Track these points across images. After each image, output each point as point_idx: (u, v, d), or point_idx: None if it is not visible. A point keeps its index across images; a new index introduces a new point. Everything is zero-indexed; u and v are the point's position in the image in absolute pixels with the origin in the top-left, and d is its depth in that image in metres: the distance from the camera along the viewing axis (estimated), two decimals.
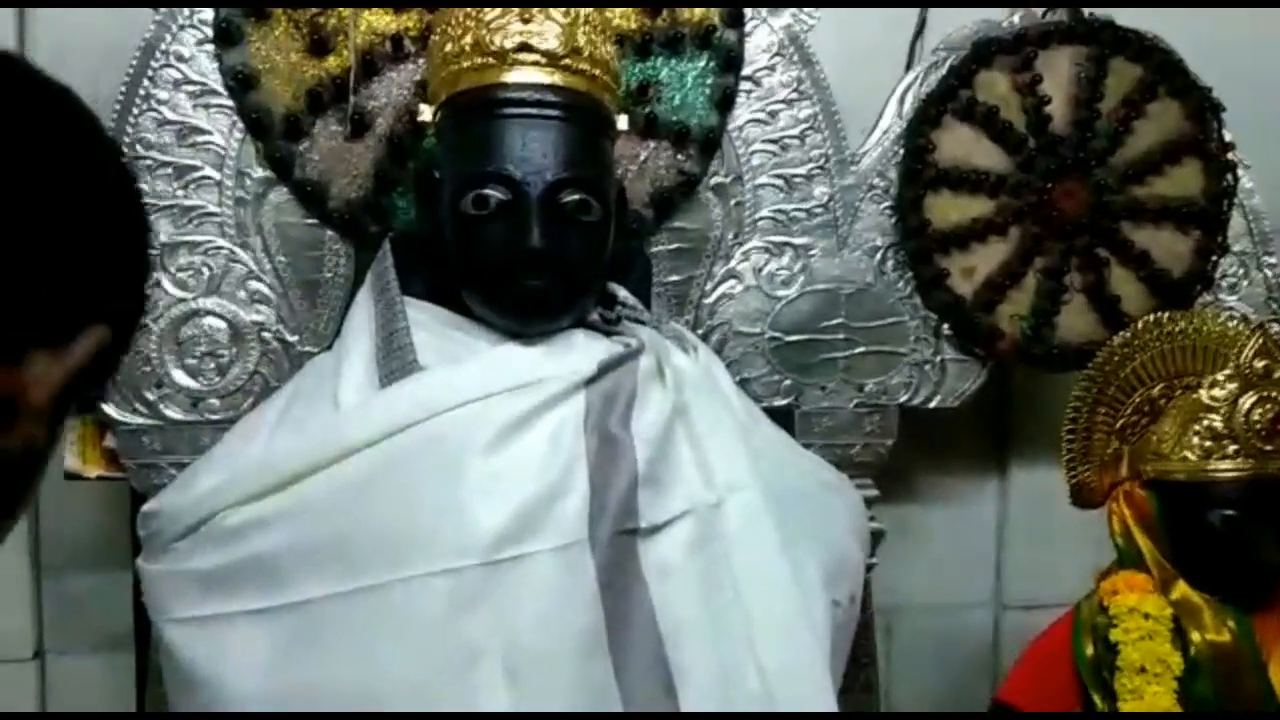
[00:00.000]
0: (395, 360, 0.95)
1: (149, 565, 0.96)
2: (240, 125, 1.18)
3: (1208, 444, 1.05)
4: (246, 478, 0.92)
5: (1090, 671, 1.05)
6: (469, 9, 0.97)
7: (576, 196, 0.95)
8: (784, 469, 1.02)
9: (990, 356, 1.37)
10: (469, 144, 0.97)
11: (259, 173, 1.19)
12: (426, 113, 1.03)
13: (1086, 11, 1.35)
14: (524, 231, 0.93)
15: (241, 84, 1.17)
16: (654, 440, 0.91)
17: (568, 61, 0.95)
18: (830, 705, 0.88)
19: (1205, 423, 1.05)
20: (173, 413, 1.19)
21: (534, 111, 0.95)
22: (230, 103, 1.18)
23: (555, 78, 0.95)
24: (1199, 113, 1.37)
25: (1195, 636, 1.03)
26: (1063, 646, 1.09)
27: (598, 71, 0.98)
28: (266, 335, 1.21)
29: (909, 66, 1.49)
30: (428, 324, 0.99)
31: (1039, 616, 1.65)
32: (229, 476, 0.93)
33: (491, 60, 0.95)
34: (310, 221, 1.21)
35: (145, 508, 0.99)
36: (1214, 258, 1.39)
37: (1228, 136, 1.38)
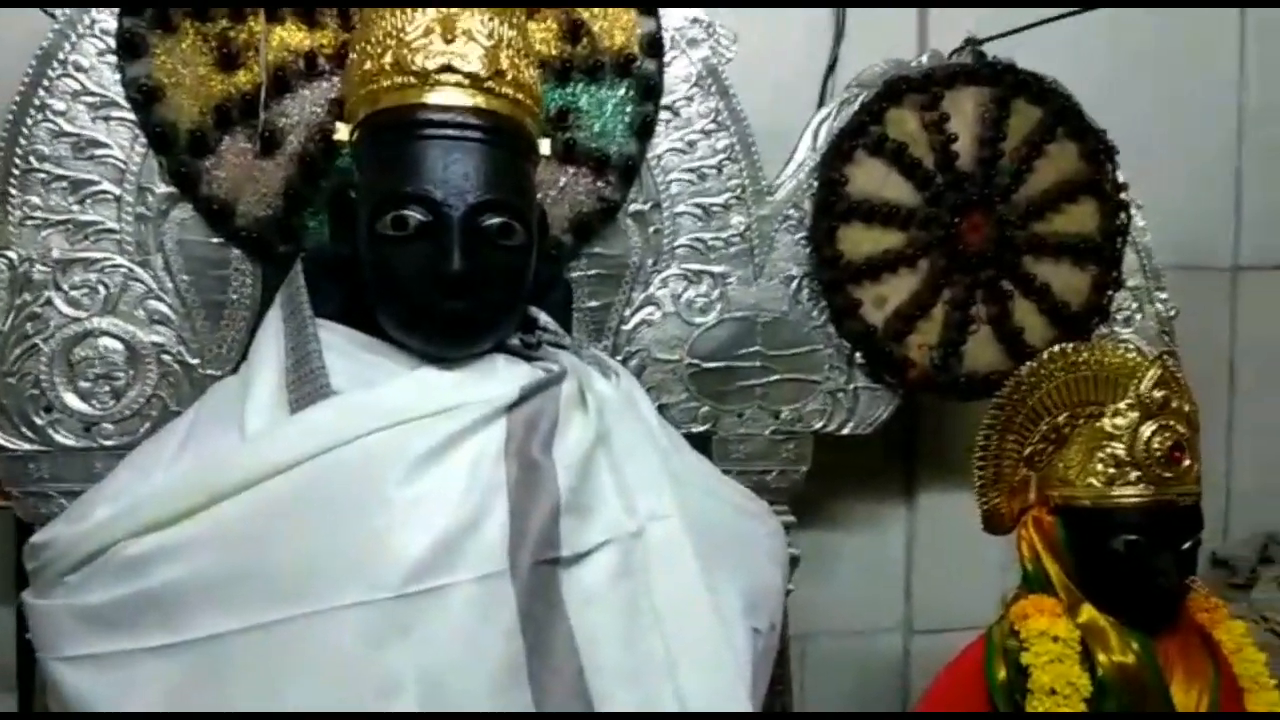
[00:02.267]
0: (306, 384, 0.92)
1: (37, 600, 0.90)
2: (142, 139, 1.14)
3: (1111, 471, 1.09)
4: (147, 506, 0.87)
5: (1003, 694, 1.07)
6: (389, 27, 0.94)
7: (499, 220, 0.94)
8: (705, 496, 1.01)
9: (901, 385, 1.40)
10: (388, 164, 0.94)
11: (161, 189, 1.15)
12: (343, 131, 1.00)
13: (990, 54, 1.41)
14: (445, 254, 0.91)
15: (145, 96, 1.13)
16: (575, 467, 0.90)
17: (491, 84, 0.94)
18: None
19: (1108, 450, 1.09)
20: (63, 438, 1.13)
21: (456, 133, 0.93)
22: (133, 116, 1.13)
23: (478, 100, 0.94)
24: (1095, 154, 1.43)
25: (1102, 658, 1.06)
26: (975, 670, 1.11)
27: (521, 95, 0.97)
28: (166, 357, 1.16)
29: (821, 102, 1.54)
30: (341, 346, 0.96)
31: (948, 640, 1.69)
32: (128, 505, 0.88)
33: (413, 80, 0.93)
34: (215, 240, 1.17)
35: (34, 539, 0.93)
36: (1110, 292, 1.45)
37: (1121, 177, 1.44)
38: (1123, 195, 1.44)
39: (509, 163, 0.96)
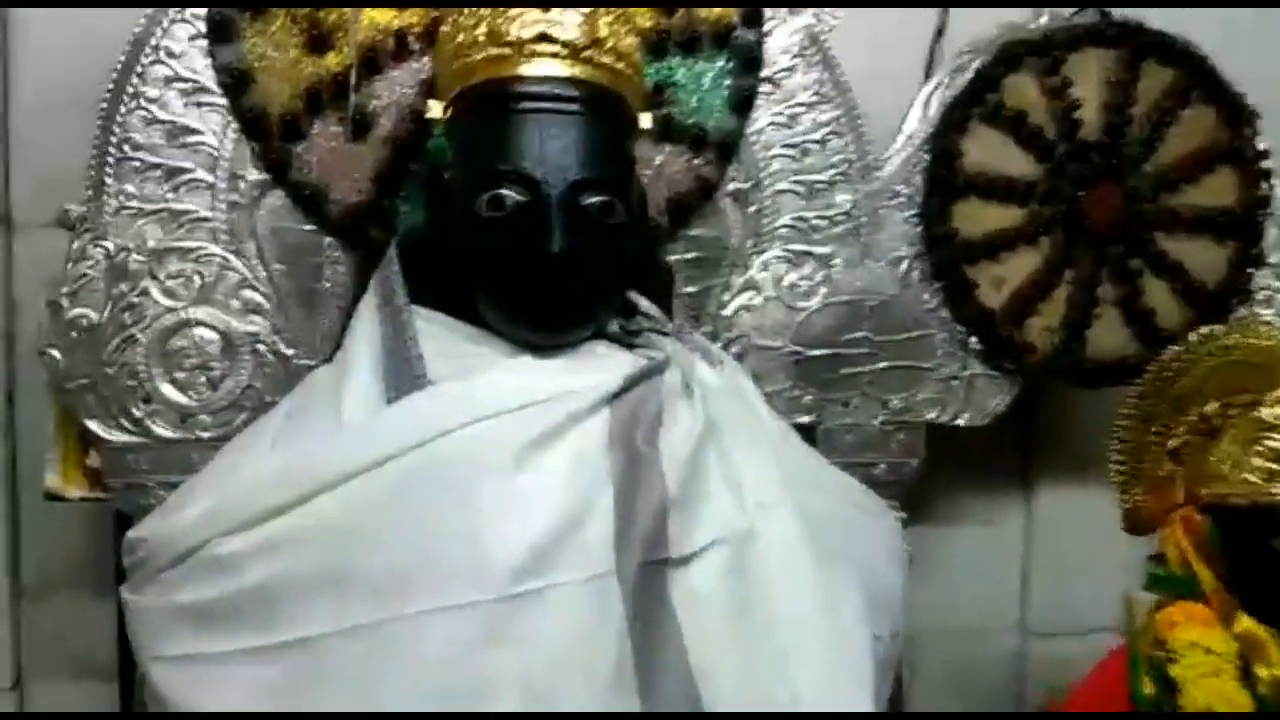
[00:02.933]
0: (402, 374, 0.88)
1: (134, 597, 0.88)
2: (234, 125, 1.12)
3: (1272, 466, 0.99)
4: (239, 502, 0.84)
5: (1152, 711, 0.99)
6: None
7: (600, 198, 0.89)
8: (819, 492, 0.95)
9: (1021, 372, 1.31)
10: (483, 141, 0.90)
11: (254, 175, 1.13)
12: (435, 108, 0.96)
13: (1116, 13, 1.30)
14: (543, 235, 0.86)
15: (236, 82, 1.11)
16: (684, 460, 0.84)
17: (589, 53, 0.89)
18: None
19: (1268, 443, 0.99)
20: (161, 430, 1.12)
21: (553, 106, 0.88)
22: (224, 101, 1.11)
23: (576, 70, 0.89)
24: (1234, 119, 1.32)
25: (1262, 673, 0.97)
26: (1116, 686, 1.02)
27: (621, 65, 0.92)
28: (261, 347, 1.14)
29: (928, 71, 1.45)
30: (437, 335, 0.92)
31: (1066, 644, 1.61)
32: (220, 501, 0.86)
33: (507, 51, 0.88)
34: (308, 227, 1.15)
35: (130, 534, 0.92)
36: (1250, 270, 1.34)
37: (1262, 144, 1.33)
38: (1264, 164, 1.33)
39: (610, 137, 0.91)
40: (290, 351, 1.15)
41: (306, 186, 1.13)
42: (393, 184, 1.14)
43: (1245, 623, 0.99)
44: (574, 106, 0.89)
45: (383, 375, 0.89)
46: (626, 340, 0.96)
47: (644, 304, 1.00)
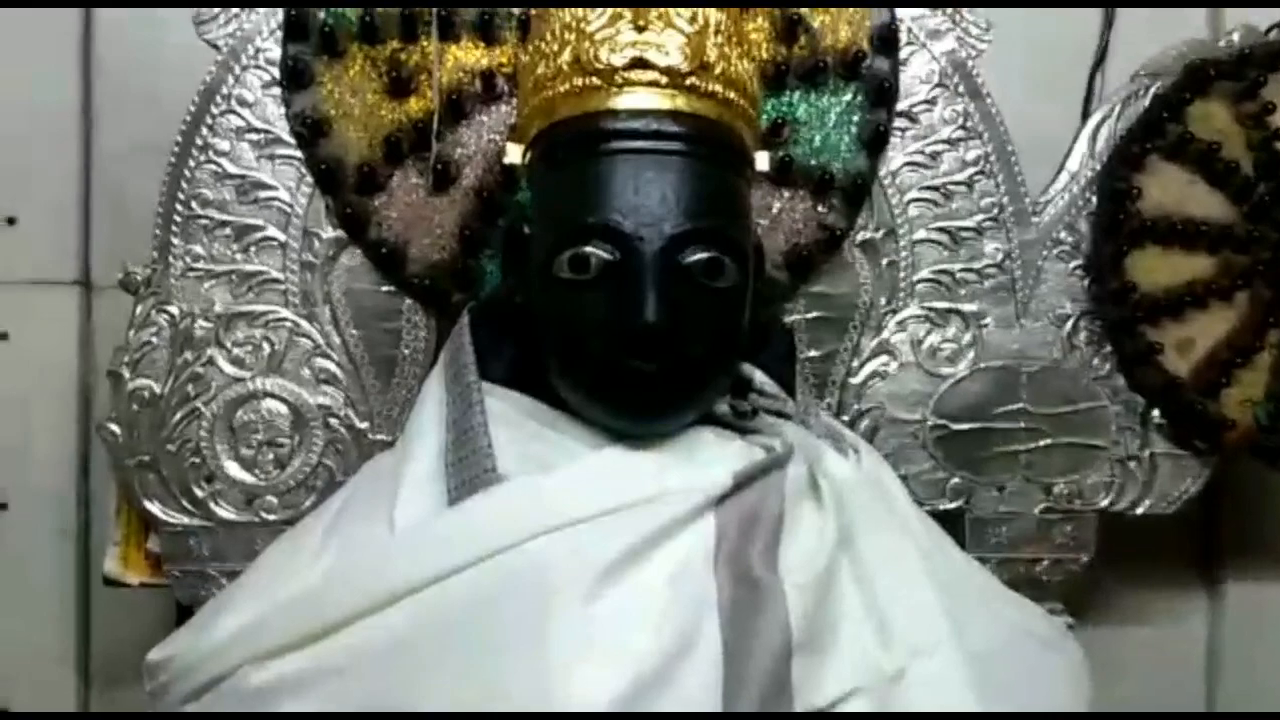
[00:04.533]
0: (468, 466, 0.74)
1: None
2: (309, 179, 1.02)
3: None
4: (277, 622, 0.71)
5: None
6: (568, 18, 0.76)
7: (705, 255, 0.73)
8: (987, 620, 0.75)
9: (1215, 451, 1.09)
10: (567, 189, 0.76)
11: (329, 233, 1.03)
12: (514, 153, 0.83)
13: None
14: (636, 301, 0.71)
15: (311, 130, 1.01)
16: (811, 585, 0.67)
17: (694, 81, 0.74)
18: None
19: None
20: (224, 511, 1.02)
21: (650, 145, 0.73)
22: (298, 153, 1.02)
23: (678, 101, 0.74)
24: None
25: None
26: None
27: (733, 94, 0.76)
28: (333, 421, 1.03)
29: (1088, 100, 1.26)
30: (511, 418, 0.78)
31: None
32: (257, 618, 0.73)
33: (597, 81, 0.74)
34: (386, 288, 1.04)
35: (151, 656, 0.79)
36: None
37: None
38: None
39: (718, 180, 0.76)
40: (365, 425, 1.04)
41: (384, 244, 1.02)
42: (478, 241, 1.02)
43: None
44: (676, 145, 0.74)
45: (447, 466, 0.75)
46: (738, 425, 0.80)
47: (759, 378, 0.84)
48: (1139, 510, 1.11)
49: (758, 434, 0.79)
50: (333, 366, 1.04)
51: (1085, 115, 1.20)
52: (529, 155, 0.82)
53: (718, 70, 0.75)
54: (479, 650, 0.65)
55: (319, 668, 0.68)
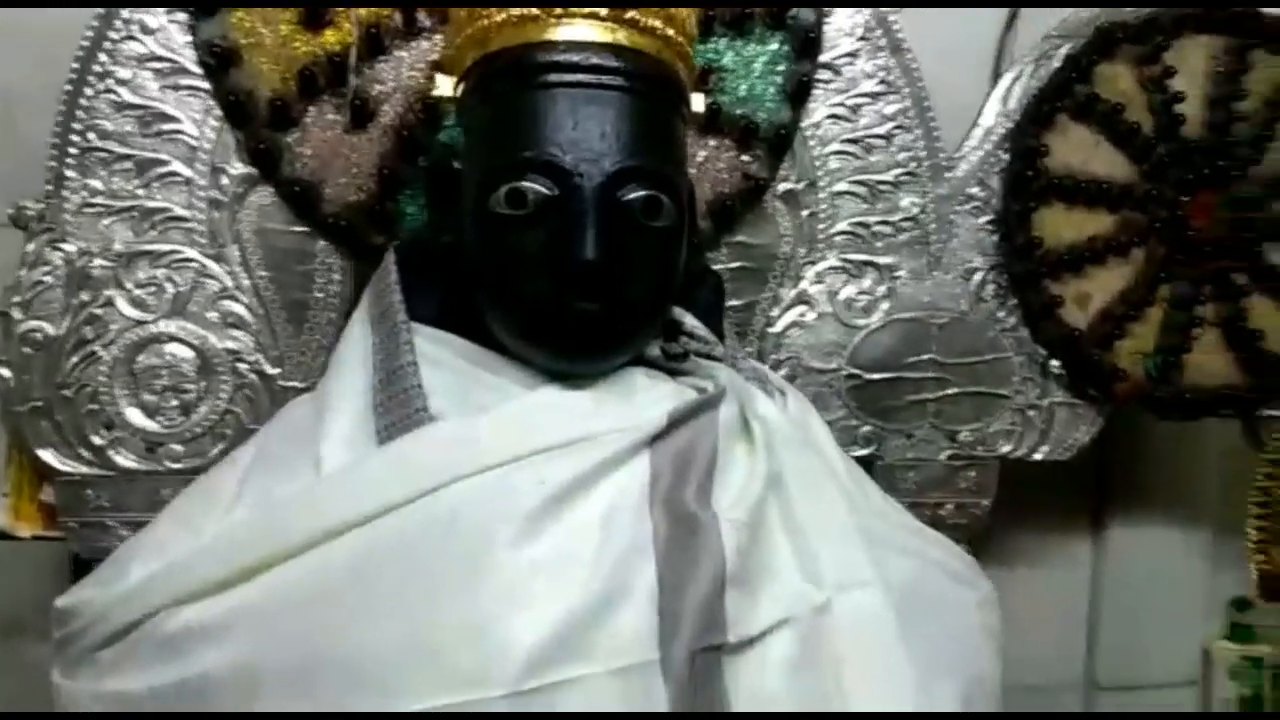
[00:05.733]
0: (397, 407, 0.72)
1: (65, 681, 0.72)
2: (216, 112, 0.97)
3: None
4: (194, 566, 0.68)
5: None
6: None
7: (644, 193, 0.72)
8: (906, 557, 0.78)
9: (1109, 401, 1.15)
10: (502, 123, 0.74)
11: (238, 169, 0.98)
12: (445, 84, 0.81)
13: None
14: (575, 238, 0.70)
15: (219, 60, 0.96)
16: (745, 521, 0.68)
17: (635, 15, 0.72)
18: None
19: None
20: (125, 460, 0.98)
21: (590, 79, 0.72)
22: (205, 84, 0.97)
23: (619, 36, 0.72)
24: None
25: None
26: None
27: (671, 31, 0.75)
28: (242, 366, 0.99)
29: (998, 62, 1.29)
30: (441, 358, 0.76)
31: (1139, 699, 1.46)
32: (173, 563, 0.70)
33: (535, 11, 0.72)
34: (299, 229, 1.00)
35: (60, 602, 0.75)
36: None
37: None
38: None
39: (657, 118, 0.75)
40: (275, 372, 1.00)
41: (298, 182, 0.98)
42: (397, 181, 0.99)
43: None
44: (616, 80, 0.72)
45: (375, 408, 0.73)
46: (669, 367, 0.80)
47: (690, 322, 0.84)
48: (1037, 456, 1.16)
49: (689, 376, 0.79)
50: (241, 310, 1.00)
51: (996, 75, 1.23)
52: (460, 87, 0.79)
53: (658, 6, 0.74)
54: (411, 590, 0.64)
55: (237, 613, 0.66)
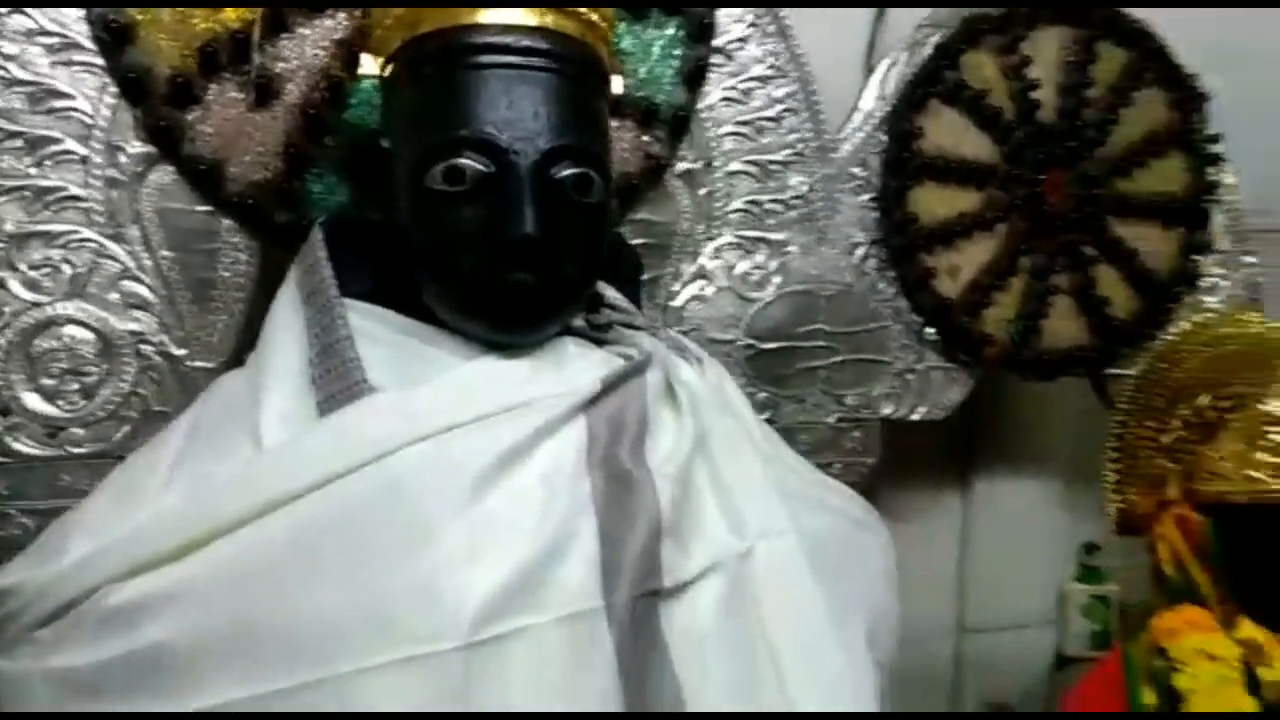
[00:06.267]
0: (336, 380, 0.74)
1: (2, 662, 0.71)
2: (113, 88, 0.95)
3: (1277, 461, 0.95)
4: (135, 542, 0.69)
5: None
6: None
7: (575, 170, 0.76)
8: (816, 508, 0.85)
9: (978, 364, 1.25)
10: (435, 102, 0.76)
11: (136, 147, 0.96)
12: (370, 64, 0.82)
13: None
14: (513, 213, 0.73)
15: (115, 36, 0.94)
16: (675, 476, 0.73)
17: None
18: None
19: (1273, 438, 0.95)
20: (24, 446, 0.95)
21: (521, 61, 0.75)
22: (100, 60, 0.94)
23: (547, 19, 0.76)
24: (1183, 103, 1.29)
25: (1267, 677, 0.93)
26: (1115, 695, 0.97)
27: (595, 16, 0.79)
28: (146, 348, 0.98)
29: (871, 49, 1.37)
30: (375, 332, 0.77)
31: (1001, 639, 1.59)
32: (109, 541, 0.70)
33: None
34: (203, 208, 0.99)
35: None
36: (1197, 257, 1.32)
37: (1212, 129, 1.30)
38: (1213, 149, 1.30)
39: (584, 99, 0.79)
40: (181, 353, 0.99)
41: (201, 161, 0.97)
42: (304, 160, 0.99)
43: (1248, 628, 0.95)
44: (545, 62, 0.76)
45: (313, 381, 0.75)
46: (595, 336, 0.84)
47: (611, 294, 0.88)
48: (915, 417, 1.25)
49: (615, 345, 0.84)
50: (144, 290, 0.98)
51: (868, 63, 1.31)
52: (388, 67, 0.81)
53: None
54: (359, 555, 0.66)
55: (183, 584, 0.67)
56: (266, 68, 0.97)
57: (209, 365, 0.99)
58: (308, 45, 0.99)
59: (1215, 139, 1.30)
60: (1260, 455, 0.96)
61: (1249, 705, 0.91)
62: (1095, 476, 1.27)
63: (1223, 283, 1.35)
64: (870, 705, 0.76)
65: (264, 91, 0.98)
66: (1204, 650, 0.93)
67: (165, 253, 0.98)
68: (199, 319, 1.00)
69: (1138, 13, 1.28)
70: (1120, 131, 1.26)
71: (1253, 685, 0.93)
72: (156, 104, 0.95)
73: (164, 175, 0.97)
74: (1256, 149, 1.51)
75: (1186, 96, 1.28)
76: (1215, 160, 1.30)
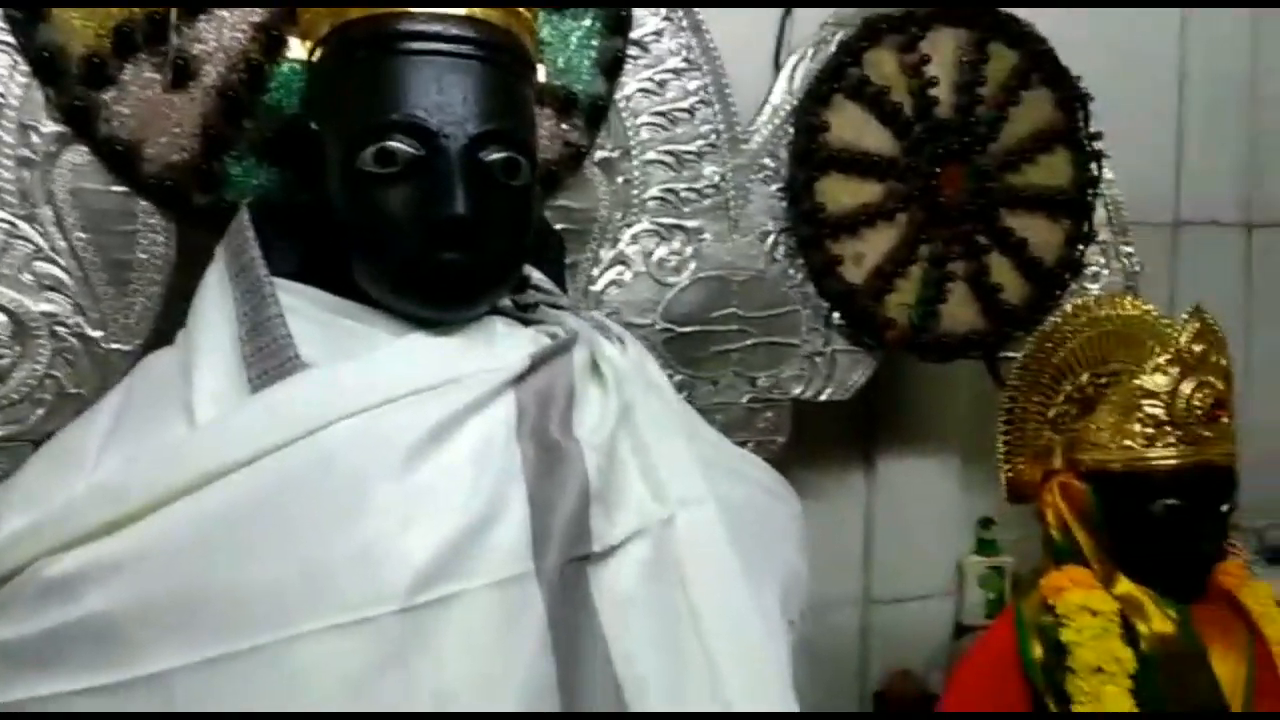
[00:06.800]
0: (268, 357, 0.75)
1: None
2: (24, 67, 0.94)
3: (1150, 431, 1.03)
4: (69, 516, 0.69)
5: (1040, 674, 1.01)
6: None
7: (503, 154, 0.78)
8: (732, 478, 0.89)
9: (880, 347, 1.32)
10: (367, 87, 0.78)
11: (50, 127, 0.95)
12: (298, 48, 0.83)
13: None
14: (443, 195, 0.75)
15: (26, 13, 0.93)
16: (602, 447, 0.77)
17: None
18: None
19: (1146, 410, 1.03)
20: None
21: (451, 48, 0.77)
22: (10, 37, 0.93)
23: (475, 9, 0.78)
24: (1068, 102, 1.38)
25: (1143, 629, 1.01)
26: (1007, 651, 1.04)
27: (521, 7, 0.82)
28: (61, 330, 0.97)
29: (779, 45, 1.43)
30: (305, 310, 0.79)
31: (905, 610, 1.67)
32: (43, 515, 0.70)
33: None
34: (118, 189, 0.98)
35: None
36: (1081, 247, 1.41)
37: (1094, 127, 1.39)
38: (1095, 145, 1.40)
39: (511, 86, 0.81)
40: (98, 334, 0.98)
41: (116, 141, 0.96)
42: (222, 142, 0.99)
43: (1125, 584, 1.03)
44: (474, 50, 0.78)
45: (245, 358, 0.76)
46: (522, 316, 0.87)
47: (536, 276, 0.91)
48: (823, 398, 1.31)
49: (541, 324, 0.87)
50: (58, 271, 0.97)
51: (776, 59, 1.36)
52: (316, 52, 0.82)
53: None
54: (295, 528, 0.68)
55: (123, 555, 0.68)
56: (184, 49, 0.97)
57: (126, 347, 0.99)
58: (226, 28, 0.99)
59: (1098, 136, 1.39)
60: (1134, 426, 1.04)
61: (1126, 655, 0.99)
62: (991, 454, 1.35)
63: (1104, 271, 1.44)
64: (783, 660, 0.81)
65: (181, 73, 0.97)
66: (1086, 606, 1.01)
67: (80, 234, 0.97)
68: (116, 301, 0.99)
69: (1025, 13, 1.36)
70: (1010, 128, 1.34)
71: (1130, 637, 1.01)
72: (70, 84, 0.94)
73: (78, 155, 0.97)
74: (1134, 146, 1.64)
75: (1071, 96, 1.37)
76: (1098, 156, 1.39)
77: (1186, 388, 1.02)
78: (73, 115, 0.95)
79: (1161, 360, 1.04)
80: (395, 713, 0.66)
